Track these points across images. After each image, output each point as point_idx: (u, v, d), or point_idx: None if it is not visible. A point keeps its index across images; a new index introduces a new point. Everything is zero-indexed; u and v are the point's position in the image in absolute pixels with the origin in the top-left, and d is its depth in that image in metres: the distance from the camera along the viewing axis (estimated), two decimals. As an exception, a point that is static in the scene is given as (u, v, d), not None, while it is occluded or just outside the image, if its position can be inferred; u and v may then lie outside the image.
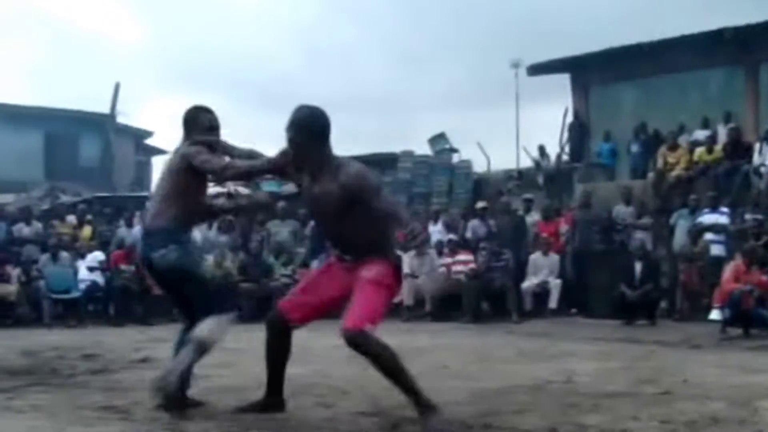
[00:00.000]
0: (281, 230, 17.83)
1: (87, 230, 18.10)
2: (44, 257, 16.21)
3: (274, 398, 6.38)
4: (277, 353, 6.50)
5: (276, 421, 5.94)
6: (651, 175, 18.69)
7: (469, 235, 17.46)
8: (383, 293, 6.01)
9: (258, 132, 48.13)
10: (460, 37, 60.15)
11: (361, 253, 6.00)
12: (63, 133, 32.26)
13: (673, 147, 18.66)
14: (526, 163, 22.73)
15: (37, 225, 17.26)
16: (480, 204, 18.21)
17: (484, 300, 16.05)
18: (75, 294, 15.65)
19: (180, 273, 6.26)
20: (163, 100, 61.05)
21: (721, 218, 16.17)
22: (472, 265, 16.30)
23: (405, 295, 16.29)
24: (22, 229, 17.09)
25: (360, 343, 5.86)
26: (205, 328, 6.25)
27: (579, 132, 22.62)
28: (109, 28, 67.15)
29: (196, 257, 6.80)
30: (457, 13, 60.51)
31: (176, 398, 6.02)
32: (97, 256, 16.58)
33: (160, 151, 32.60)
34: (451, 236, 17.08)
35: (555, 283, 15.94)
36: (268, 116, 58.06)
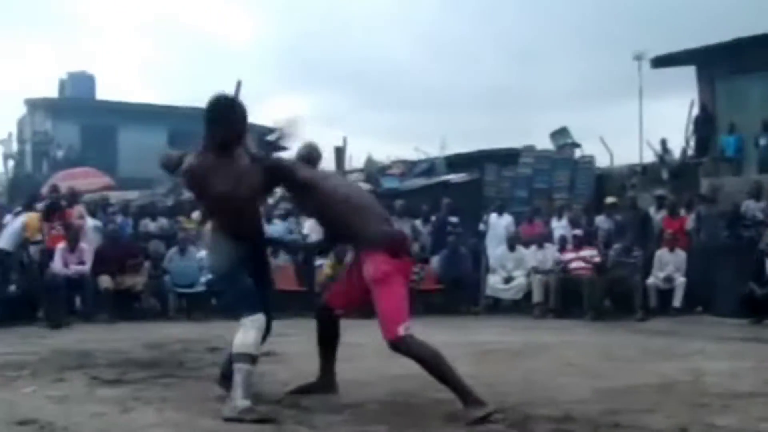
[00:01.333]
0: (402, 227, 17.80)
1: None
2: (171, 252, 16.47)
3: (325, 379, 6.79)
4: (327, 339, 6.89)
5: (400, 417, 5.90)
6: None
7: (593, 230, 17.20)
8: (392, 286, 6.18)
9: (372, 128, 48.35)
10: (581, 30, 59.44)
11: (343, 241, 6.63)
12: (186, 130, 32.73)
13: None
14: (650, 157, 22.34)
15: (162, 221, 17.53)
16: (609, 200, 17.92)
17: (606, 297, 15.76)
18: (199, 288, 15.84)
19: None
20: (283, 97, 61.68)
21: None
22: (597, 260, 16.05)
23: (535, 291, 16.18)
24: (148, 225, 17.38)
25: (404, 351, 6.10)
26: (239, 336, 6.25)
27: (705, 125, 22.13)
28: (230, 27, 68.20)
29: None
30: (578, 6, 59.81)
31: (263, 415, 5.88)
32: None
33: (282, 148, 32.90)
34: (576, 232, 16.84)
35: (680, 281, 15.59)
36: (383, 112, 58.27)
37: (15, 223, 15.24)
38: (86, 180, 22.59)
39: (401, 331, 6.04)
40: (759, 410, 6.07)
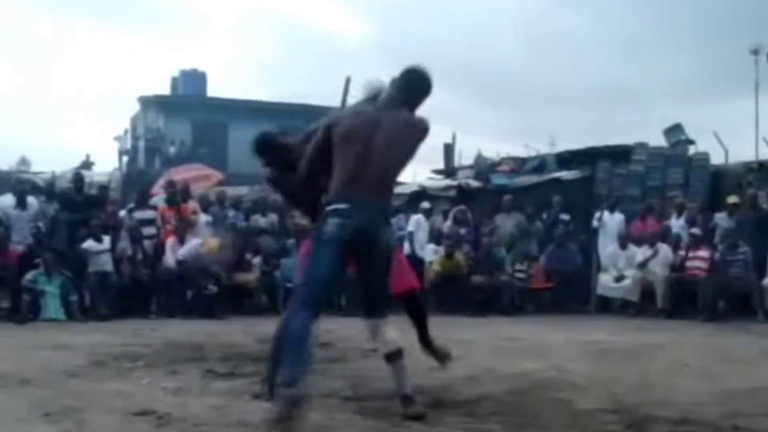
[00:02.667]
0: (511, 224, 17.70)
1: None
2: (284, 246, 16.62)
3: None
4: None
5: (515, 415, 5.83)
6: None
7: (710, 229, 16.81)
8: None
9: (481, 125, 48.13)
10: (694, 24, 58.39)
11: None
12: (296, 126, 33.07)
13: None
14: (767, 154, 21.75)
15: (273, 216, 17.65)
16: (732, 199, 17.49)
17: (721, 298, 15.40)
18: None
19: (390, 255, 5.86)
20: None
21: None
22: (712, 260, 15.71)
23: (634, 290, 15.95)
24: (259, 220, 17.52)
25: None
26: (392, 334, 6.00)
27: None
28: (339, 26, 68.63)
29: None
30: (689, -2, 58.74)
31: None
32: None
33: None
34: (693, 231, 16.48)
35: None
36: (492, 109, 58.02)
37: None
38: (200, 174, 22.87)
39: None
40: None
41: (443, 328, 12.33)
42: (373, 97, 6.09)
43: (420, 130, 5.85)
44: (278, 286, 15.91)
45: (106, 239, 14.89)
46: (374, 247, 5.67)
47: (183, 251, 14.97)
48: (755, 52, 26.40)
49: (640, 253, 16.46)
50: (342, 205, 5.55)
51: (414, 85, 5.99)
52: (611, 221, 17.72)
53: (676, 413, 5.86)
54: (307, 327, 5.44)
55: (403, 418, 5.68)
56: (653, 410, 5.92)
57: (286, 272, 15.98)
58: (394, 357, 5.93)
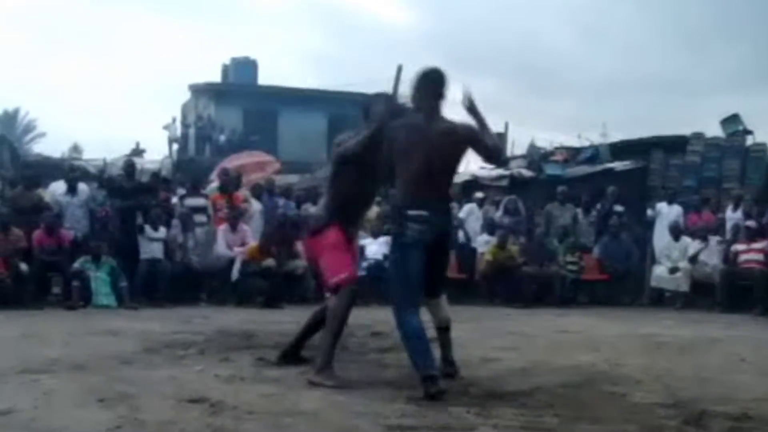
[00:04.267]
0: (564, 214, 17.57)
1: (373, 211, 18.38)
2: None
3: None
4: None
5: (570, 408, 5.75)
6: None
7: (755, 221, 16.57)
8: None
9: (534, 115, 47.88)
10: (749, 13, 57.68)
11: None
12: (346, 114, 33.17)
13: None
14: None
15: (323, 205, 17.67)
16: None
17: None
18: (360, 273, 15.88)
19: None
20: (445, 83, 61.71)
21: None
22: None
23: (682, 282, 15.81)
24: (309, 209, 17.52)
25: None
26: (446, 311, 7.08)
27: None
28: (390, 13, 68.62)
29: None
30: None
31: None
32: (384, 238, 16.76)
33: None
34: (749, 223, 16.26)
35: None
36: (545, 99, 57.70)
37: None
38: (259, 161, 22.98)
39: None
40: None
41: (495, 320, 12.39)
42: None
43: (462, 136, 6.44)
44: (360, 276, 15.94)
45: (162, 227, 14.98)
46: (445, 245, 6.75)
47: (234, 272, 14.97)
48: (815, 41, 25.98)
49: (692, 246, 16.29)
50: (422, 212, 6.28)
51: (432, 84, 6.56)
52: (669, 213, 17.54)
53: (735, 409, 5.75)
54: (421, 324, 6.40)
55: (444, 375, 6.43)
56: (711, 405, 5.82)
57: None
58: (445, 330, 7.02)
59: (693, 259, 16.01)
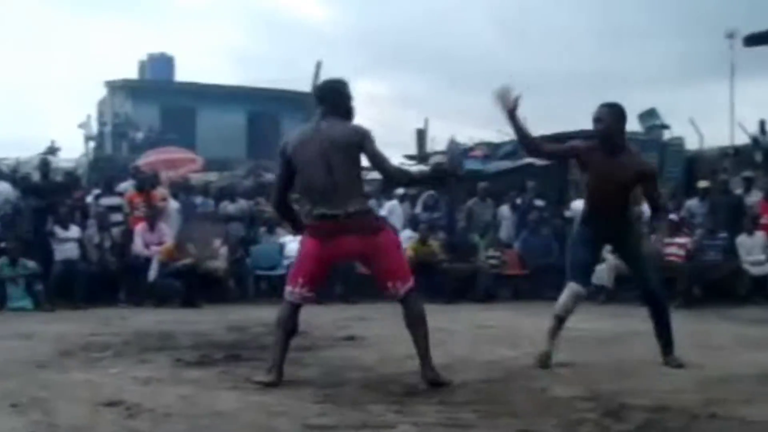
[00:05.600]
0: (484, 210, 17.64)
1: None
2: (256, 233, 16.57)
3: None
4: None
5: (491, 404, 5.74)
6: None
7: (684, 215, 16.77)
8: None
9: (455, 111, 47.99)
10: (669, 9, 58.47)
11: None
12: (265, 111, 33.08)
13: None
14: (742, 139, 21.78)
15: (242, 202, 17.56)
16: (702, 184, 17.48)
17: (697, 283, 15.35)
18: (280, 271, 15.81)
19: None
20: (363, 79, 61.65)
21: None
22: (688, 246, 15.70)
23: (604, 276, 15.91)
24: (227, 207, 17.40)
25: None
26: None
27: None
28: (310, 9, 68.21)
29: None
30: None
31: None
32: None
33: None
34: (671, 216, 16.45)
35: (770, 267, 15.24)
36: (467, 95, 57.92)
37: None
38: (180, 157, 22.72)
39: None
40: None
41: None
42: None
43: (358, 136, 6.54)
44: (248, 273, 15.81)
45: (74, 227, 14.73)
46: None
47: (151, 273, 14.75)
48: (730, 36, 26.41)
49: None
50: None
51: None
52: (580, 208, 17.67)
53: (653, 401, 5.79)
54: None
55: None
56: (629, 398, 5.85)
57: (255, 260, 15.90)
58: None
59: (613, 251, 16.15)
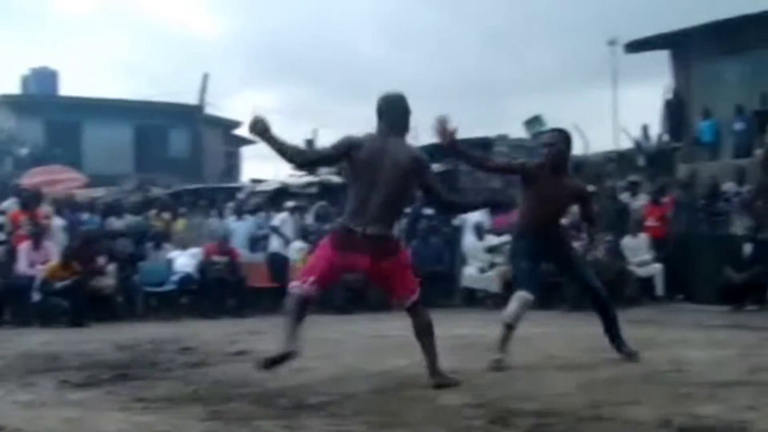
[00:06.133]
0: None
1: (180, 223, 18.14)
2: (144, 249, 16.34)
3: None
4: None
5: (379, 414, 5.73)
6: (759, 152, 18.04)
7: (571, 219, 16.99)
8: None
9: (343, 120, 48.12)
10: (553, 16, 59.37)
11: None
12: (152, 125, 32.69)
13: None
14: (626, 144, 22.26)
15: (129, 218, 17.32)
16: (588, 188, 17.75)
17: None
18: (169, 287, 15.64)
19: None
20: (251, 91, 61.35)
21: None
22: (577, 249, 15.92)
23: (494, 282, 16.07)
24: (114, 223, 17.15)
25: None
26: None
27: (677, 110, 21.99)
28: (196, 21, 67.81)
29: None
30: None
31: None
32: (193, 250, 16.52)
33: (248, 141, 32.69)
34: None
35: (658, 269, 15.51)
36: (356, 105, 58.04)
37: None
38: (61, 176, 22.35)
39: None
40: (744, 399, 5.93)
41: (308, 328, 12.26)
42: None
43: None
44: (137, 290, 15.57)
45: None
46: None
47: (34, 292, 14.38)
48: (612, 42, 26.98)
49: (495, 241, 16.64)
50: None
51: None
52: (472, 214, 17.84)
53: (540, 405, 5.84)
54: None
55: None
56: (517, 403, 5.89)
57: (144, 276, 15.67)
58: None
59: (492, 251, 16.33)
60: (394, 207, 6.87)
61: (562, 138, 8.20)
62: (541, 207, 7.98)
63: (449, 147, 7.46)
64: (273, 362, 6.65)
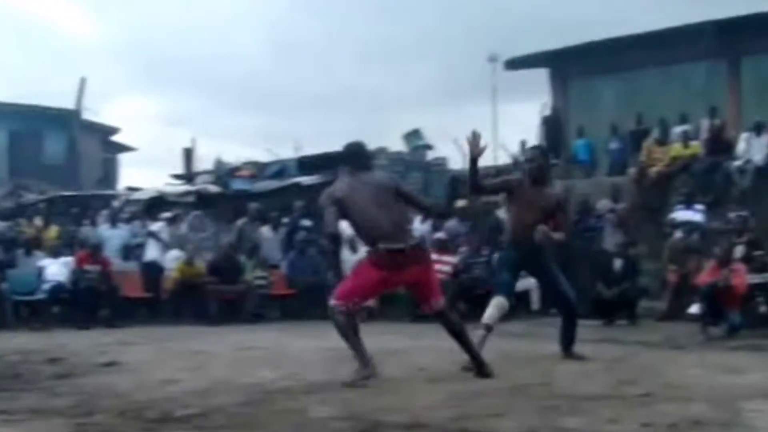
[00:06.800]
0: (252, 230, 17.53)
1: (53, 230, 17.77)
2: (14, 256, 15.94)
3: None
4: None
5: (246, 427, 5.70)
6: (632, 170, 18.44)
7: (445, 234, 17.13)
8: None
9: (224, 130, 47.80)
10: (435, 31, 59.73)
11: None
12: (27, 129, 31.83)
13: (661, 142, 18.54)
14: (504, 160, 22.50)
15: (1, 224, 16.92)
16: (460, 203, 17.93)
17: (461, 300, 15.66)
18: (40, 296, 15.28)
19: None
20: (130, 97, 60.51)
21: (695, 216, 16.04)
22: (453, 263, 16.06)
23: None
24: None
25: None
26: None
27: (554, 127, 22.33)
28: (74, 24, 66.42)
29: None
30: (432, 7, 60.16)
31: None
32: (65, 258, 16.18)
33: (126, 148, 32.25)
34: (439, 235, 16.79)
35: (532, 283, 15.68)
36: (240, 114, 57.76)
37: None
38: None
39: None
40: (607, 411, 6.02)
41: (181, 340, 12.15)
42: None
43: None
44: (6, 299, 15.16)
45: None
46: None
47: None
48: (492, 59, 27.26)
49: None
50: None
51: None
52: (347, 227, 17.81)
53: (408, 418, 5.82)
54: None
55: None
56: (385, 415, 5.87)
57: (14, 284, 15.29)
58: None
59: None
60: (404, 220, 8.01)
61: (540, 154, 9.42)
62: (525, 215, 8.96)
63: (474, 159, 8.43)
64: (353, 384, 7.30)
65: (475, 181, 8.83)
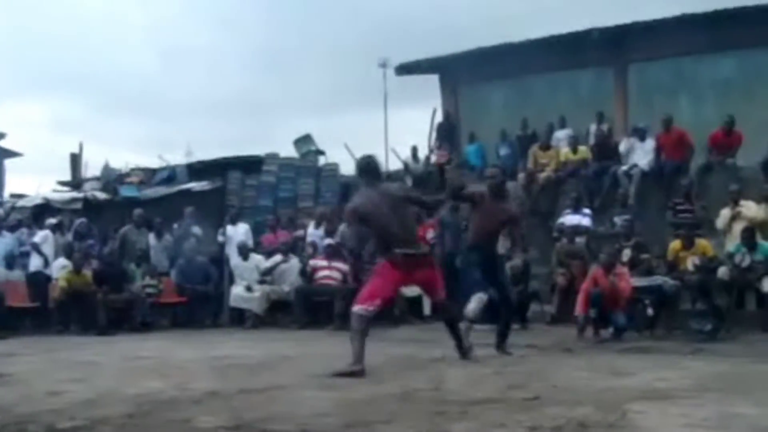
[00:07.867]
0: (140, 237, 17.26)
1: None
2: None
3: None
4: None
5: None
6: (521, 176, 18.63)
7: (337, 240, 17.10)
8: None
9: (113, 136, 47.08)
10: (325, 37, 59.60)
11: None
12: None
13: (545, 147, 18.76)
14: (396, 165, 22.55)
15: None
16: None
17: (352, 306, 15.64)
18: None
19: None
20: (15, 101, 59.13)
21: (583, 220, 16.27)
22: (345, 269, 16.04)
23: (255, 302, 16.08)
24: None
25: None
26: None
27: (448, 133, 22.45)
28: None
29: None
30: (322, 12, 60.01)
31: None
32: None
33: (12, 154, 31.49)
34: (330, 241, 16.76)
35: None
36: (129, 121, 56.88)
37: None
38: None
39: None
40: (495, 416, 6.05)
41: (67, 350, 11.91)
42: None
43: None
44: None
45: None
46: None
47: None
48: (383, 65, 27.25)
49: (269, 262, 16.62)
50: None
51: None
52: (237, 233, 17.74)
53: (296, 426, 5.77)
54: None
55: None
56: (274, 424, 5.82)
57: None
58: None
59: (266, 273, 16.35)
60: (414, 228, 9.56)
61: (501, 172, 11.00)
62: (486, 224, 10.29)
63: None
64: (341, 375, 8.16)
65: (458, 189, 10.82)
